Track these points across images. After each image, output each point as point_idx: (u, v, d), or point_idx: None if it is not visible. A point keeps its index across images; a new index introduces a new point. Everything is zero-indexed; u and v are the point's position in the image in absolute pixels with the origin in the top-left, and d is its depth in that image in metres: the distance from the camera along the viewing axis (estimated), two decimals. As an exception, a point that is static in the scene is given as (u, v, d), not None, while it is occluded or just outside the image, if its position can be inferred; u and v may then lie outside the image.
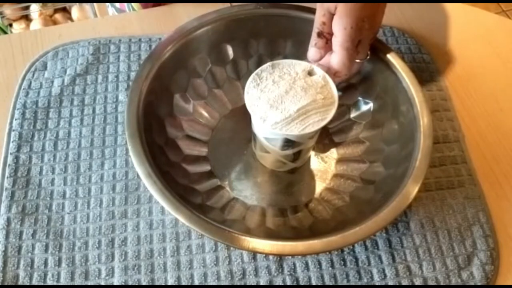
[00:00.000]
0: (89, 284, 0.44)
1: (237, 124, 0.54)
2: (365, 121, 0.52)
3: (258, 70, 0.43)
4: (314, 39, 0.45)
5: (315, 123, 0.41)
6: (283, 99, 0.41)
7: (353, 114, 0.52)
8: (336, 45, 0.42)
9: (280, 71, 0.43)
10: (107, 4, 0.75)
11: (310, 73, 0.43)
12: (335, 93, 0.42)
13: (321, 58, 0.44)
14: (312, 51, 0.45)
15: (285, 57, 0.54)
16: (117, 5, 0.71)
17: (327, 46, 0.44)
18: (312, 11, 0.51)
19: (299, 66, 0.43)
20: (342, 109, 0.53)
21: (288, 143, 0.43)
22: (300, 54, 0.54)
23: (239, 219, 0.47)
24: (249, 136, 0.52)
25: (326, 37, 0.44)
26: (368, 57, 0.46)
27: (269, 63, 0.43)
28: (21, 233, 0.46)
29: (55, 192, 0.48)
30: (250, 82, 0.43)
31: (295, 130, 0.40)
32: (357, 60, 0.45)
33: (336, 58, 0.42)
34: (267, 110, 0.41)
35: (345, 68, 0.43)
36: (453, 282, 0.45)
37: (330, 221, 0.46)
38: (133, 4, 0.66)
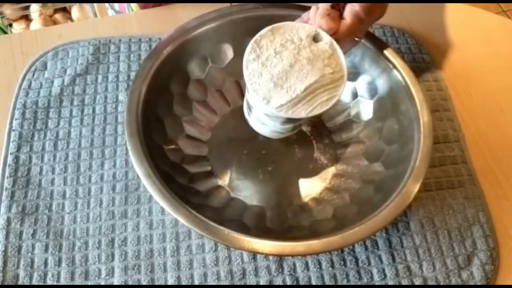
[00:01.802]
0: (89, 284, 0.44)
1: (237, 124, 0.54)
2: (365, 121, 0.52)
3: (256, 37, 0.38)
4: (325, 9, 0.40)
5: (323, 103, 0.37)
6: (288, 76, 0.37)
7: (353, 114, 0.52)
8: (350, 13, 0.40)
9: (281, 38, 0.38)
10: (106, 5, 0.75)
11: (316, 39, 0.39)
12: (344, 64, 0.38)
13: (334, 29, 0.40)
14: (325, 21, 0.39)
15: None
16: (116, 6, 0.71)
17: (338, 20, 0.41)
18: (307, 9, 0.51)
19: (302, 30, 0.38)
20: (342, 109, 0.53)
21: (290, 120, 0.40)
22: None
23: (239, 219, 0.47)
24: (249, 136, 0.52)
25: (340, 10, 0.41)
26: (362, 40, 0.45)
27: (268, 28, 0.38)
28: (21, 233, 0.46)
29: (55, 192, 0.48)
30: (248, 53, 0.38)
31: (302, 113, 0.36)
32: (356, 38, 0.43)
33: (347, 24, 0.39)
34: (271, 90, 0.36)
35: (351, 35, 0.40)
36: (453, 282, 0.45)
37: (330, 221, 0.46)
38: (131, 4, 0.66)
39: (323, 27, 0.39)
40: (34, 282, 0.44)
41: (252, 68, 0.37)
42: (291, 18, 0.51)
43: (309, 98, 0.37)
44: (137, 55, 0.57)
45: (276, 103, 0.36)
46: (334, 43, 0.38)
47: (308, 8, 0.51)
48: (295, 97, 0.36)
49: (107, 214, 0.47)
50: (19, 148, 0.51)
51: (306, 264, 0.45)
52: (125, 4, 0.68)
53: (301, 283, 0.44)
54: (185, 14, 0.60)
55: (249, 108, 0.43)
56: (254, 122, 0.45)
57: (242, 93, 0.55)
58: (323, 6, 0.40)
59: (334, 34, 0.39)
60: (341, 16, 0.40)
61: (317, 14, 0.40)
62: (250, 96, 0.40)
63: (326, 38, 0.38)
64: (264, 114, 0.40)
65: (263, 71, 0.37)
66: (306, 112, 0.36)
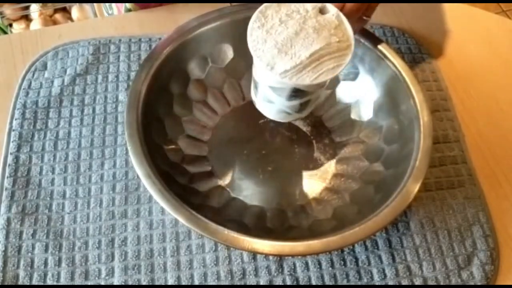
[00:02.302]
0: (89, 284, 0.44)
1: (237, 124, 0.54)
2: (365, 121, 0.52)
3: (262, 7, 0.37)
4: None
5: (329, 71, 0.36)
6: (292, 42, 0.36)
7: (353, 114, 0.52)
8: None
9: (287, 8, 0.37)
10: (102, 9, 0.75)
11: (322, 11, 0.38)
12: (350, 34, 0.37)
13: (340, 6, 0.39)
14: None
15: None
16: (114, 8, 0.71)
17: None
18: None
19: (308, 3, 0.38)
20: (342, 109, 0.53)
21: (296, 92, 0.39)
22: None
23: (239, 219, 0.47)
24: (249, 136, 0.53)
25: None
26: (369, 19, 0.44)
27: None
28: (21, 233, 0.46)
29: (55, 192, 0.48)
30: (253, 21, 0.37)
31: (306, 79, 0.35)
32: (364, 17, 0.42)
33: (355, 2, 0.39)
34: (275, 56, 0.36)
35: (358, 12, 0.39)
36: (453, 282, 0.45)
37: (330, 221, 0.46)
38: (127, 5, 0.66)
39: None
40: (34, 282, 0.44)
41: (256, 35, 0.37)
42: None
43: (315, 65, 0.36)
44: (137, 55, 0.57)
45: (280, 69, 0.35)
46: (341, 14, 0.38)
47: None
48: (299, 63, 0.35)
49: (107, 214, 0.47)
50: (19, 148, 0.51)
51: (306, 264, 0.45)
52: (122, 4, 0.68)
53: (301, 283, 0.44)
54: (185, 14, 0.60)
55: (256, 85, 0.42)
56: (261, 102, 0.44)
57: (242, 93, 0.55)
58: None
59: (341, 10, 0.38)
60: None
61: None
62: (254, 67, 0.39)
63: (332, 10, 0.38)
64: (269, 87, 0.39)
65: (268, 38, 0.36)
66: (311, 79, 0.35)
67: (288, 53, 0.36)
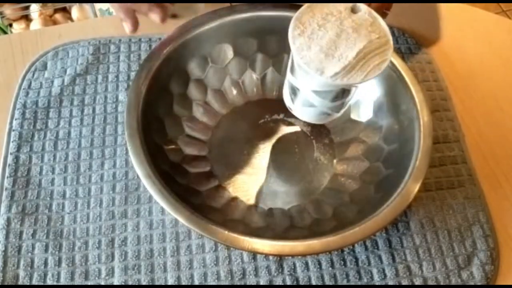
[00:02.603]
0: (89, 284, 0.44)
1: (237, 124, 0.54)
2: (365, 121, 0.52)
3: (297, 14, 0.38)
4: None
5: (375, 67, 0.37)
6: (336, 44, 0.37)
7: (353, 114, 0.52)
8: None
9: (321, 12, 0.38)
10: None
11: (354, 10, 0.39)
12: (386, 29, 0.38)
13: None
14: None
15: (286, 55, 0.54)
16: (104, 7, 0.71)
17: None
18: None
19: (339, 4, 0.39)
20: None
21: (343, 93, 0.40)
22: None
23: (239, 219, 0.47)
24: (249, 136, 0.52)
25: None
26: (389, 12, 0.45)
27: (306, 5, 0.39)
28: (21, 233, 0.46)
29: (55, 192, 0.48)
30: (292, 29, 0.38)
31: (357, 78, 0.36)
32: (385, 11, 0.43)
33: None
34: (323, 60, 0.36)
35: (383, 7, 0.40)
36: (453, 282, 0.45)
37: (330, 221, 0.46)
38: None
39: None
40: (34, 282, 0.44)
41: (300, 43, 0.37)
42: (291, 17, 0.52)
43: (362, 64, 0.37)
44: (137, 55, 0.57)
45: (331, 72, 0.36)
46: (373, 11, 0.39)
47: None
48: (348, 64, 0.36)
49: (107, 214, 0.47)
50: (19, 148, 0.51)
51: (306, 264, 0.45)
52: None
53: (301, 283, 0.44)
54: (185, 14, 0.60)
55: (294, 92, 0.42)
56: (300, 107, 0.44)
57: (242, 93, 0.55)
58: None
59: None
60: None
61: None
62: (297, 74, 0.40)
63: (363, 8, 0.39)
64: (313, 92, 0.40)
65: (311, 44, 0.37)
66: (361, 77, 0.36)
67: (335, 55, 0.36)
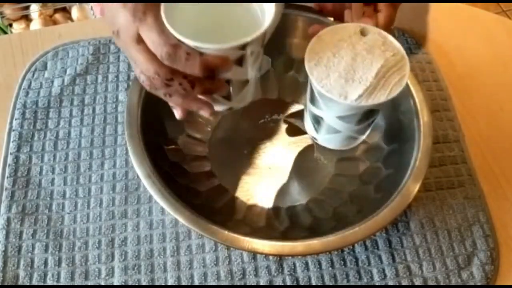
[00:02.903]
0: (89, 284, 0.44)
1: (237, 124, 0.54)
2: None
3: (310, 45, 0.39)
4: (360, 9, 0.41)
5: (397, 84, 0.37)
6: (354, 68, 0.37)
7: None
8: (385, 4, 0.41)
9: (332, 39, 0.39)
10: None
11: (363, 33, 0.40)
12: (398, 46, 0.39)
13: (374, 25, 0.41)
14: (363, 21, 0.41)
15: (286, 55, 0.54)
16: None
17: (374, 15, 0.42)
18: (311, 10, 0.51)
19: (347, 29, 0.40)
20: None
21: (366, 114, 0.40)
22: (299, 52, 0.54)
23: (239, 219, 0.47)
24: (249, 136, 0.52)
25: (374, 4, 0.41)
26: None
27: (315, 37, 0.39)
28: (21, 233, 0.46)
29: (55, 192, 0.48)
30: (308, 61, 0.38)
31: (381, 97, 0.37)
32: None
33: (385, 16, 0.40)
34: (344, 85, 0.37)
35: (390, 25, 0.41)
36: (453, 282, 0.45)
37: (329, 221, 0.46)
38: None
39: None
40: (34, 282, 0.44)
41: (317, 73, 0.38)
42: (292, 18, 0.52)
43: (383, 83, 0.37)
44: (137, 55, 0.57)
45: (354, 95, 0.36)
46: (382, 31, 0.40)
47: (307, 7, 0.51)
48: (369, 85, 0.37)
49: (107, 214, 0.47)
50: (19, 148, 0.51)
51: (306, 264, 0.45)
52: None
53: (301, 283, 0.44)
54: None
55: (317, 121, 0.43)
56: (324, 136, 0.44)
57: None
58: (356, 7, 0.41)
59: (376, 27, 0.40)
60: (375, 9, 0.41)
61: (353, 16, 0.41)
62: (319, 104, 0.40)
63: (372, 29, 0.40)
64: (338, 118, 0.40)
65: (329, 72, 0.38)
66: (385, 96, 0.37)
67: (355, 79, 0.37)
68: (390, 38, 0.39)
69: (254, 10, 0.39)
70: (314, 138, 0.46)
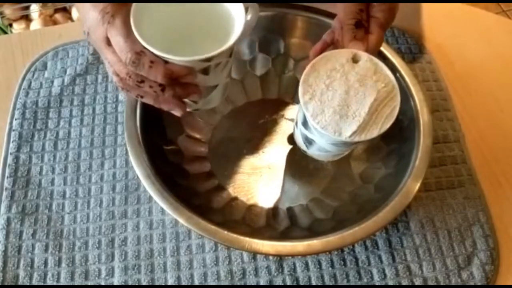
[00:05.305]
0: (89, 284, 0.44)
1: (237, 124, 0.54)
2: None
3: (303, 77, 0.39)
4: (351, 31, 0.41)
5: (388, 116, 0.38)
6: (347, 103, 0.38)
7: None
8: (376, 26, 0.41)
9: (325, 69, 0.39)
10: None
11: (355, 59, 0.40)
12: (389, 74, 0.39)
13: (365, 49, 0.41)
14: (354, 44, 0.41)
15: (285, 55, 0.54)
16: None
17: (365, 38, 0.41)
18: (309, 9, 0.51)
19: (340, 56, 0.40)
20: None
21: (357, 142, 0.41)
22: (299, 52, 0.54)
23: (239, 219, 0.47)
24: (249, 136, 0.53)
25: (365, 25, 0.41)
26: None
27: (309, 65, 0.39)
28: (21, 233, 0.46)
29: (55, 192, 0.48)
30: (302, 95, 0.38)
31: (374, 132, 0.38)
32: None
33: (376, 38, 0.40)
34: (338, 122, 0.38)
35: (380, 46, 0.41)
36: (453, 282, 0.45)
37: (329, 221, 0.46)
38: None
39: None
40: (34, 282, 0.44)
41: (312, 108, 0.38)
42: (291, 18, 0.52)
43: (375, 117, 0.38)
44: (137, 55, 0.57)
45: (348, 132, 0.37)
46: (373, 58, 0.40)
47: (306, 7, 0.51)
48: (362, 121, 0.37)
49: (107, 214, 0.47)
50: (19, 148, 0.51)
51: (306, 264, 0.45)
52: None
53: (301, 283, 0.44)
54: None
55: (309, 142, 0.44)
56: (315, 152, 0.45)
57: (242, 93, 0.55)
58: (347, 29, 0.41)
59: (366, 51, 0.40)
60: (366, 31, 0.41)
61: (344, 38, 0.41)
62: (313, 132, 0.40)
63: (363, 56, 0.40)
64: (330, 144, 0.41)
65: (324, 108, 0.38)
66: (377, 131, 0.38)
67: (349, 114, 0.38)
68: (381, 65, 0.40)
69: (227, 10, 0.39)
70: (304, 151, 0.47)
